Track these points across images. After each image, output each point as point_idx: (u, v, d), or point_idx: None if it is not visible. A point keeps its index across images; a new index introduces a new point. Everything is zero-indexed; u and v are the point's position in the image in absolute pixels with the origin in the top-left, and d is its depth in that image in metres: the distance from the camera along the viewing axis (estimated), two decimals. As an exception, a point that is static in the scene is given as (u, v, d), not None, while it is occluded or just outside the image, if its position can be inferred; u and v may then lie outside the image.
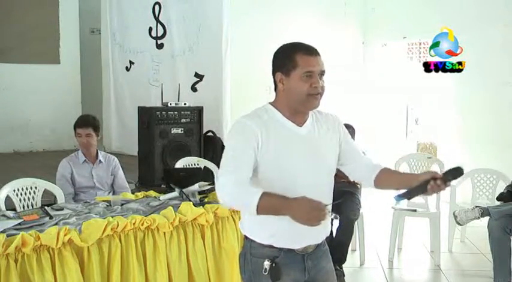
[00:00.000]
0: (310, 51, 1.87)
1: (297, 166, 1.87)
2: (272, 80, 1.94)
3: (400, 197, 1.92)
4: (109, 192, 3.87)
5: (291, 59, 1.86)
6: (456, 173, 1.81)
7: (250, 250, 1.93)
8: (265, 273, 1.86)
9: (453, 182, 5.04)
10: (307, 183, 1.87)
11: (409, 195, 1.92)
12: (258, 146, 1.83)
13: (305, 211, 1.66)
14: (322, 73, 1.87)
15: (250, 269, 1.92)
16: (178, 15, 6.96)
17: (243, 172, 1.80)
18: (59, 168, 3.83)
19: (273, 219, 1.82)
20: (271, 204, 1.71)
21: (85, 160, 3.84)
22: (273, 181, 1.84)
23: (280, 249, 1.89)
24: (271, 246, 1.89)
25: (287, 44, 1.92)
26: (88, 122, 3.82)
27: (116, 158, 4.04)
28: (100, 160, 3.89)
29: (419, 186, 1.82)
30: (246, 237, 1.97)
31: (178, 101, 6.12)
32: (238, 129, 1.87)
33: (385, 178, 1.99)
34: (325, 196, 1.94)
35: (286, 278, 1.89)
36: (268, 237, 1.89)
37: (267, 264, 1.87)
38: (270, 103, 1.95)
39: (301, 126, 1.91)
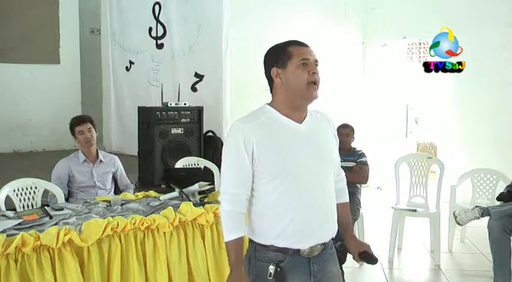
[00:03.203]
0: (300, 43, 1.93)
1: (301, 162, 1.87)
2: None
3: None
4: (110, 192, 3.87)
5: (284, 52, 1.90)
6: (370, 261, 2.09)
7: (254, 254, 1.91)
8: (270, 278, 1.85)
9: (453, 182, 5.02)
10: (313, 179, 1.88)
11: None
12: (254, 150, 1.84)
13: None
14: (316, 63, 1.91)
15: (255, 273, 1.90)
16: (178, 15, 6.96)
17: (243, 189, 1.87)
18: (55, 169, 3.82)
19: (281, 217, 1.85)
20: (230, 252, 1.86)
21: (85, 160, 3.83)
22: (278, 179, 1.85)
23: (286, 253, 1.87)
24: (276, 249, 1.87)
25: (276, 43, 1.96)
26: (85, 118, 3.84)
27: (116, 158, 4.04)
28: (101, 160, 3.88)
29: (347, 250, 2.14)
30: (250, 241, 1.95)
31: (178, 101, 6.12)
32: (233, 137, 1.88)
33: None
34: (330, 191, 1.96)
35: None
36: (274, 237, 1.87)
37: (272, 268, 1.85)
38: (267, 104, 1.96)
39: (300, 123, 1.92)
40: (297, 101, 1.90)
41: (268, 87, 1.98)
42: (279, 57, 1.90)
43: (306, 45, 1.93)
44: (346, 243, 2.11)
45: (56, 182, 3.74)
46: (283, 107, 1.91)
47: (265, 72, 1.95)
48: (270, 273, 1.85)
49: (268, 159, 1.84)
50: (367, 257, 2.06)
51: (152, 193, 3.61)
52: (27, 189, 3.54)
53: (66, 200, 3.68)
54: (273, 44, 1.98)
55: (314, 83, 1.87)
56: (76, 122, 3.81)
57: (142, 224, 2.74)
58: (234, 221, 1.87)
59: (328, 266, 1.97)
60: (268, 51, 1.97)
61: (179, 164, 4.46)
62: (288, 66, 1.88)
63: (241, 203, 1.88)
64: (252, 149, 1.84)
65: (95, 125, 3.87)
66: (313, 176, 1.89)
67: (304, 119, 1.93)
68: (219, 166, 4.56)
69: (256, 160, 1.85)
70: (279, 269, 1.85)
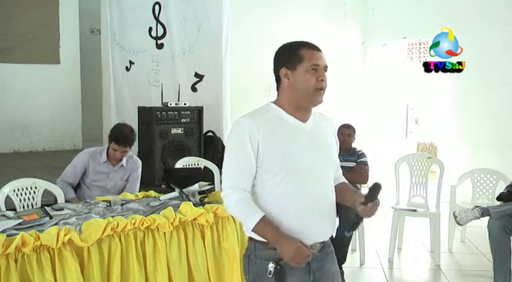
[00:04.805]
0: (314, 46, 1.93)
1: (305, 160, 1.88)
2: (273, 79, 1.96)
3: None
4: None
5: (296, 54, 1.89)
6: (374, 190, 1.90)
7: (254, 252, 1.92)
8: (270, 276, 1.85)
9: (453, 182, 4.99)
10: (314, 177, 1.89)
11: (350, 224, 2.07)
12: (259, 146, 1.84)
13: (291, 255, 1.80)
14: (325, 68, 1.92)
15: (255, 271, 1.91)
16: (178, 15, 6.95)
17: (246, 184, 1.87)
18: (76, 157, 3.85)
19: (282, 214, 1.86)
20: (265, 232, 1.84)
21: (106, 161, 3.81)
22: (280, 175, 1.85)
23: None
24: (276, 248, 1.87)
25: (290, 42, 1.96)
26: (128, 141, 3.75)
27: (139, 161, 3.98)
28: (122, 164, 3.85)
29: (352, 213, 2.00)
30: (250, 239, 1.95)
31: (178, 101, 6.12)
32: (238, 132, 1.87)
33: (338, 190, 2.03)
34: (330, 190, 1.97)
35: (291, 280, 1.88)
36: None
37: (271, 266, 1.85)
38: (272, 102, 1.96)
39: (304, 122, 1.94)
40: (301, 103, 1.91)
41: (270, 87, 1.98)
42: (289, 58, 1.90)
43: (319, 50, 1.92)
44: (356, 207, 1.98)
45: (70, 170, 3.79)
46: (288, 106, 1.92)
47: (274, 70, 1.95)
48: (270, 271, 1.85)
49: (273, 156, 1.85)
50: (371, 192, 1.90)
51: (152, 193, 3.61)
52: (27, 189, 3.54)
53: (74, 190, 3.75)
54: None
55: (321, 89, 1.89)
56: (116, 140, 3.70)
57: (142, 224, 2.74)
58: (248, 206, 1.86)
59: (327, 264, 1.99)
60: (279, 49, 1.96)
61: (179, 164, 4.46)
62: (297, 68, 1.88)
63: (246, 193, 1.88)
64: (258, 145, 1.84)
65: (132, 145, 3.81)
66: (315, 175, 1.90)
67: (308, 118, 1.95)
68: (219, 166, 4.58)
69: (260, 156, 1.85)
70: (278, 267, 1.85)
